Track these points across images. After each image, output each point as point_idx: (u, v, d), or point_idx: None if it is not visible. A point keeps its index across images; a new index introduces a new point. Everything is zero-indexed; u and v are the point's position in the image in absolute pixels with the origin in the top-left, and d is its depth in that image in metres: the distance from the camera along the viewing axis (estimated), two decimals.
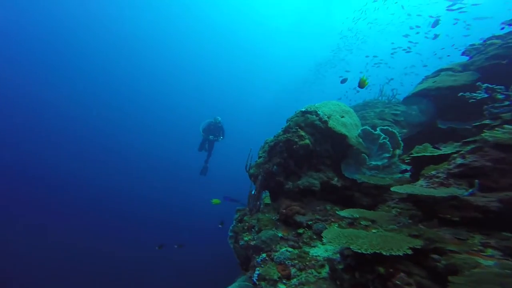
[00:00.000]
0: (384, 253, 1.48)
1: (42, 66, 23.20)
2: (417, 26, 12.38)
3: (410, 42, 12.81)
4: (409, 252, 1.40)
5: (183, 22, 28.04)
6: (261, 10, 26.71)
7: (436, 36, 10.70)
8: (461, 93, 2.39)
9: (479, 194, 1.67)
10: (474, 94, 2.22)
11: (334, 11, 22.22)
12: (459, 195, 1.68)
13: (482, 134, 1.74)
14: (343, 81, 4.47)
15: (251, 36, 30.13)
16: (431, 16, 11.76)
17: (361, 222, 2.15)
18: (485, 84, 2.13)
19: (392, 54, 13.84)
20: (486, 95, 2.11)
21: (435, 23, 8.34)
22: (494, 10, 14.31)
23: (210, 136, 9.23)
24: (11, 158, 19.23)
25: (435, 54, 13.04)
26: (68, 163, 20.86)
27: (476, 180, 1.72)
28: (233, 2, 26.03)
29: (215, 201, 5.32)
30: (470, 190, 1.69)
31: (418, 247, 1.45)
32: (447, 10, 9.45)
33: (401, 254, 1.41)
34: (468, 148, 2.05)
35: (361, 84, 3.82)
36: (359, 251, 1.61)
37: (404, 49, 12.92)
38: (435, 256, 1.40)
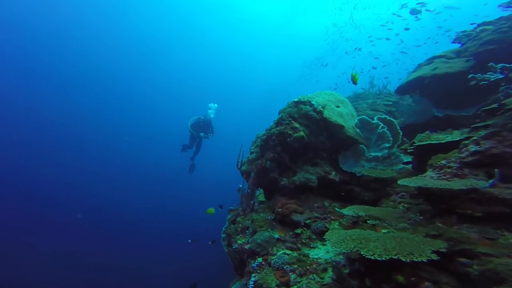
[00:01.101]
0: (404, 260, 1.26)
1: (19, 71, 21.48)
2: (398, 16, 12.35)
3: (389, 30, 12.85)
4: (434, 257, 1.19)
5: (169, 30, 27.24)
6: (250, 15, 26.51)
7: (407, 29, 10.80)
8: (471, 75, 2.20)
9: (502, 185, 1.48)
10: (486, 76, 2.04)
11: (328, 3, 22.13)
12: (480, 187, 1.48)
13: None
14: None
15: (239, 38, 30.02)
16: (403, 5, 11.76)
17: (368, 221, 1.94)
18: (500, 64, 1.95)
19: (371, 41, 13.86)
20: (501, 76, 1.93)
21: (415, 11, 8.21)
22: (461, 1, 14.60)
23: (201, 134, 8.85)
24: None
25: (428, 39, 13.22)
26: (48, 170, 19.66)
27: (496, 170, 1.53)
28: (219, 9, 25.61)
29: (210, 210, 4.70)
30: (491, 181, 1.50)
31: (443, 250, 1.24)
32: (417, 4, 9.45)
33: (424, 260, 1.19)
34: (481, 133, 1.87)
35: (353, 80, 3.62)
36: (372, 257, 1.38)
37: (387, 38, 12.97)
38: (464, 260, 1.19)
